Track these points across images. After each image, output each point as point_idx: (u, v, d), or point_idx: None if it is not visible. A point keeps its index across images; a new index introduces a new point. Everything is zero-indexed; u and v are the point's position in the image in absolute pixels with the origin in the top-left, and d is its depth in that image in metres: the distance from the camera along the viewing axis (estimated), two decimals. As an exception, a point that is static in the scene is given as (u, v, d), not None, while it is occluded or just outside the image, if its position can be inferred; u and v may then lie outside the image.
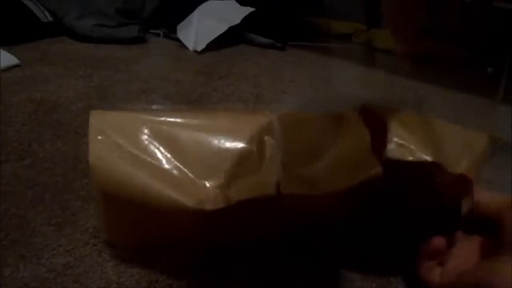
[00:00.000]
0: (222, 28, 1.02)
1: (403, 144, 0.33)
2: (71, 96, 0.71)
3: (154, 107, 0.69)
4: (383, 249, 0.40)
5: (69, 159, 0.52)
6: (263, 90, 0.80)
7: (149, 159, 0.34)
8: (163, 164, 0.34)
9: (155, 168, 0.33)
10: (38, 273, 0.36)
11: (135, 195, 0.32)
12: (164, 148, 0.35)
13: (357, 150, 0.33)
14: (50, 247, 0.38)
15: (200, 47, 1.01)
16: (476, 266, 0.29)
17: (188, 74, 0.86)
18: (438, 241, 0.33)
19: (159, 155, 0.34)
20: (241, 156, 0.34)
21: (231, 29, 1.03)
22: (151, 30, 1.13)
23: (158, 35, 1.12)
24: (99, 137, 0.34)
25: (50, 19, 1.03)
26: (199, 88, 0.79)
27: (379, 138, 0.33)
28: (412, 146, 0.33)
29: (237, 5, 1.12)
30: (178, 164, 0.34)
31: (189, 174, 0.34)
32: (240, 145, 0.35)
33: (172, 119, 0.36)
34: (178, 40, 1.06)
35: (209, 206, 0.31)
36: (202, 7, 1.11)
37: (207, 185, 0.33)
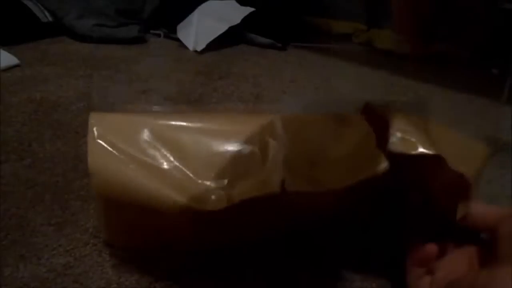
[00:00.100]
0: (222, 28, 1.03)
1: (406, 138, 0.32)
2: (71, 96, 0.71)
3: (154, 108, 0.69)
4: (383, 249, 0.40)
5: (69, 159, 0.52)
6: (263, 90, 0.80)
7: (149, 161, 0.33)
8: (164, 166, 0.34)
9: (156, 169, 0.33)
10: (38, 273, 0.36)
11: (136, 197, 0.32)
12: (165, 149, 0.34)
13: (362, 148, 0.33)
14: (50, 247, 0.38)
15: (200, 47, 1.01)
16: (472, 275, 0.29)
17: (188, 74, 0.86)
18: (431, 248, 0.33)
19: (160, 157, 0.34)
20: (243, 157, 0.34)
21: (231, 29, 1.03)
22: (151, 31, 1.13)
23: (158, 35, 1.12)
24: (99, 141, 0.33)
25: (50, 19, 1.03)
26: (199, 88, 0.79)
27: (382, 137, 0.33)
28: (414, 140, 0.32)
29: (237, 5, 1.12)
30: (179, 165, 0.34)
31: (191, 175, 0.34)
32: (242, 146, 0.35)
33: (173, 121, 0.36)
34: (178, 40, 1.06)
35: (211, 206, 0.31)
36: (202, 7, 1.11)
37: (209, 185, 0.33)
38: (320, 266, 0.39)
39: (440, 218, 0.34)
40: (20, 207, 0.43)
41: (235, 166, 0.34)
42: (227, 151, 0.35)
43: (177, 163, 0.34)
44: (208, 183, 0.33)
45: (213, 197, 0.32)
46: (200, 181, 0.33)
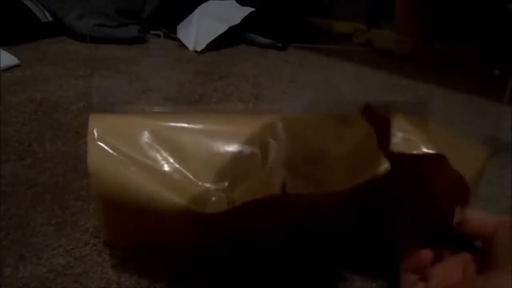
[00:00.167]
0: (222, 28, 1.03)
1: (408, 138, 0.32)
2: (71, 96, 0.71)
3: (154, 109, 0.69)
4: (383, 249, 0.40)
5: (69, 159, 0.52)
6: (263, 90, 0.80)
7: (149, 163, 0.33)
8: (165, 168, 0.33)
9: (156, 171, 0.33)
10: (38, 273, 0.36)
11: (136, 199, 0.32)
12: (165, 151, 0.34)
13: (363, 148, 0.32)
14: (50, 247, 0.38)
15: (200, 47, 1.01)
16: (468, 283, 0.29)
17: (188, 74, 0.86)
18: (425, 255, 0.33)
19: (160, 158, 0.34)
20: (244, 158, 0.34)
21: (231, 29, 1.03)
22: (151, 31, 1.13)
23: (158, 35, 1.12)
24: (98, 143, 0.33)
25: (50, 19, 1.03)
26: (199, 88, 0.79)
27: (383, 138, 0.33)
28: (416, 140, 0.32)
29: (237, 5, 1.12)
30: (180, 167, 0.34)
31: (191, 177, 0.33)
32: (243, 147, 0.35)
33: (173, 122, 0.36)
34: (178, 40, 1.06)
35: (211, 209, 0.31)
36: (202, 7, 1.11)
37: (210, 187, 0.33)
38: (320, 266, 0.39)
39: (436, 224, 0.34)
40: (20, 207, 0.43)
41: (235, 167, 0.34)
42: (228, 152, 0.35)
43: (177, 165, 0.34)
44: (208, 185, 0.33)
45: (213, 199, 0.32)
46: (200, 183, 0.33)
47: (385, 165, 0.30)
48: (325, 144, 0.34)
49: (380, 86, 0.89)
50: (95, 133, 0.34)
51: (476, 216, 0.32)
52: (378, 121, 0.35)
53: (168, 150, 0.34)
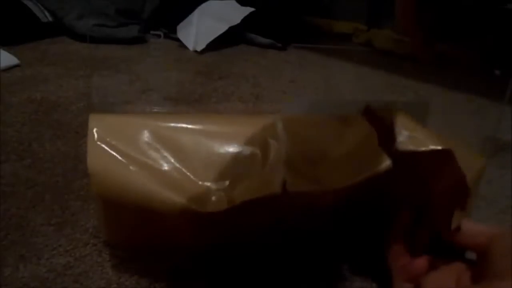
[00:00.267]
0: (222, 28, 1.03)
1: (414, 135, 0.32)
2: (71, 96, 0.71)
3: (154, 109, 0.69)
4: (384, 249, 0.40)
5: (69, 159, 0.52)
6: (263, 90, 0.80)
7: (149, 162, 0.33)
8: (164, 167, 0.33)
9: (156, 171, 0.33)
10: (38, 273, 0.36)
11: (136, 199, 0.32)
12: (165, 151, 0.34)
13: (363, 147, 0.32)
14: (50, 247, 0.38)
15: (200, 47, 1.01)
16: None
17: (188, 74, 0.86)
18: (420, 263, 0.32)
19: (160, 158, 0.34)
20: (244, 158, 0.34)
21: (231, 29, 1.03)
22: (151, 31, 1.13)
23: (158, 35, 1.12)
24: (99, 143, 0.33)
25: (50, 19, 1.03)
26: (199, 88, 0.79)
27: (385, 137, 0.33)
28: (422, 137, 0.32)
29: (237, 5, 1.12)
30: (180, 167, 0.34)
31: (191, 176, 0.33)
32: (243, 147, 0.35)
33: (173, 122, 0.36)
34: (178, 40, 1.06)
35: (211, 208, 0.31)
36: (202, 7, 1.11)
37: (210, 186, 0.33)
38: (320, 266, 0.39)
39: (432, 230, 0.34)
40: (20, 207, 0.43)
41: (235, 167, 0.34)
42: (228, 152, 0.35)
43: (177, 165, 0.34)
44: (208, 184, 0.33)
45: (213, 198, 0.32)
46: (200, 183, 0.33)
47: (386, 162, 0.30)
48: (325, 144, 0.34)
49: (380, 86, 0.89)
50: (95, 133, 0.34)
51: (469, 226, 0.32)
52: (379, 121, 0.34)
53: (168, 150, 0.34)
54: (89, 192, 0.45)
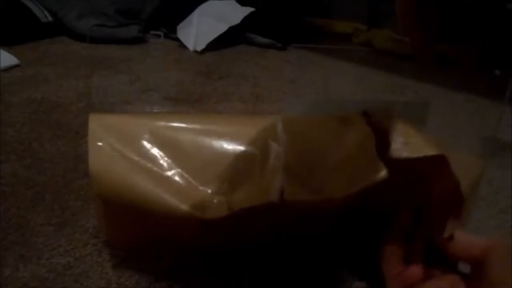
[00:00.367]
0: (222, 28, 1.03)
1: (409, 142, 0.32)
2: (71, 96, 0.71)
3: (154, 109, 0.69)
4: (378, 255, 0.40)
5: (69, 159, 0.52)
6: (263, 90, 0.80)
7: (150, 165, 0.33)
8: (165, 170, 0.33)
9: (156, 174, 0.33)
10: (38, 273, 0.36)
11: (136, 201, 0.32)
12: (165, 153, 0.34)
13: (362, 151, 0.32)
14: (50, 247, 0.38)
15: (200, 47, 1.01)
16: None
17: (188, 74, 0.86)
18: (415, 271, 0.32)
19: (160, 161, 0.34)
20: (244, 160, 0.34)
21: (231, 29, 1.03)
22: (151, 31, 1.13)
23: (158, 35, 1.12)
24: (99, 143, 0.33)
25: (50, 19, 1.03)
26: (199, 88, 0.79)
27: (381, 144, 0.33)
28: (417, 143, 0.32)
29: (237, 5, 1.12)
30: (180, 170, 0.34)
31: (191, 180, 0.33)
32: (243, 150, 0.34)
33: (173, 123, 0.36)
34: (178, 40, 1.06)
35: (211, 214, 0.31)
36: (202, 7, 1.11)
37: (209, 191, 0.33)
38: (319, 266, 0.39)
39: (425, 240, 0.34)
40: (20, 207, 0.43)
41: (235, 169, 0.34)
42: (228, 154, 0.35)
43: (177, 166, 0.34)
44: (208, 188, 0.33)
45: (213, 204, 0.32)
46: (200, 187, 0.33)
47: (383, 172, 0.30)
48: (324, 147, 0.34)
49: (380, 86, 0.89)
50: (95, 134, 0.34)
51: (463, 238, 0.31)
52: (375, 127, 0.34)
53: (168, 151, 0.34)
54: (89, 192, 0.45)
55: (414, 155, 0.32)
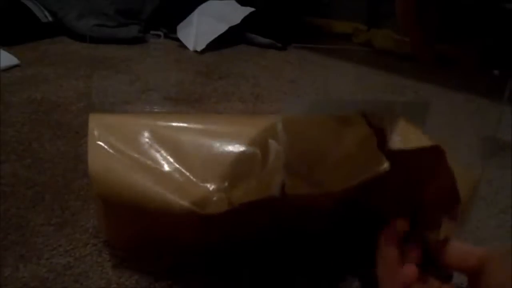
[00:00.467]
0: (222, 28, 1.03)
1: (404, 135, 0.32)
2: (71, 96, 0.71)
3: (154, 109, 0.69)
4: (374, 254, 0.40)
5: (69, 159, 0.52)
6: (263, 90, 0.80)
7: (150, 163, 0.33)
8: (165, 168, 0.33)
9: (156, 171, 0.33)
10: (38, 273, 0.36)
11: (136, 200, 0.32)
12: (165, 151, 0.34)
13: (362, 149, 0.32)
14: (50, 247, 0.38)
15: (200, 47, 1.01)
16: None
17: (188, 74, 0.86)
18: (410, 270, 0.31)
19: (160, 159, 0.34)
20: (244, 159, 0.34)
21: (231, 29, 1.03)
22: (151, 31, 1.13)
23: (158, 35, 1.12)
24: (99, 142, 0.33)
25: (50, 19, 1.03)
26: (199, 88, 0.79)
27: (379, 145, 0.33)
28: (412, 136, 0.32)
29: (237, 5, 1.12)
30: (180, 168, 0.34)
31: (191, 177, 0.33)
32: (243, 148, 0.35)
33: (173, 123, 0.36)
34: (178, 40, 1.06)
35: (211, 210, 0.31)
36: (202, 7, 1.11)
37: (210, 188, 0.33)
38: (319, 266, 0.39)
39: (422, 242, 0.33)
40: (20, 207, 0.43)
41: (236, 167, 0.34)
42: (228, 153, 0.35)
43: (177, 165, 0.34)
44: (208, 185, 0.33)
45: (214, 200, 0.32)
46: (201, 184, 0.33)
47: (384, 165, 0.30)
48: (324, 145, 0.34)
49: (380, 86, 0.89)
50: (95, 133, 0.34)
51: (458, 247, 0.31)
52: (373, 127, 0.34)
53: (168, 150, 0.34)
54: (89, 192, 0.45)
55: (408, 147, 0.31)
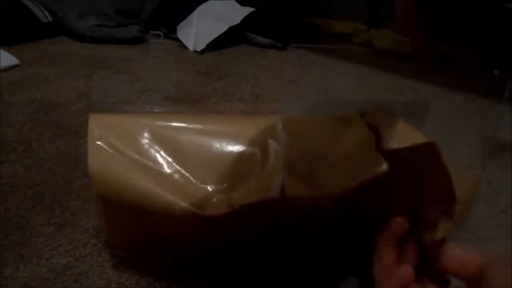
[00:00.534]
0: (222, 28, 1.03)
1: (398, 133, 0.32)
2: (71, 96, 0.71)
3: (154, 109, 0.69)
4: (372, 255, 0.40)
5: (69, 159, 0.52)
6: (263, 90, 0.80)
7: (149, 164, 0.33)
8: (164, 169, 0.33)
9: (156, 172, 0.33)
10: (38, 273, 0.36)
11: (136, 200, 0.32)
12: (165, 152, 0.34)
13: (362, 150, 0.32)
14: (50, 247, 0.38)
15: (200, 47, 1.01)
16: None
17: (188, 74, 0.86)
18: (407, 271, 0.30)
19: (160, 159, 0.34)
20: (244, 160, 0.34)
21: (231, 29, 1.03)
22: (151, 31, 1.13)
23: (158, 35, 1.12)
24: (99, 142, 0.33)
25: (50, 19, 1.03)
26: (199, 88, 0.79)
27: (377, 142, 0.33)
28: (406, 134, 0.32)
29: (237, 5, 1.12)
30: (180, 168, 0.34)
31: (191, 178, 0.33)
32: (243, 148, 0.35)
33: (173, 123, 0.36)
34: (178, 40, 1.06)
35: (211, 211, 0.31)
36: (202, 7, 1.11)
37: (209, 189, 0.33)
38: (319, 266, 0.39)
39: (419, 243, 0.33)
40: (20, 207, 0.43)
41: (235, 168, 0.34)
42: (228, 153, 0.35)
43: (177, 165, 0.34)
44: (208, 186, 0.33)
45: (213, 201, 0.32)
46: (200, 185, 0.33)
47: (383, 166, 0.30)
48: (324, 146, 0.34)
49: (380, 86, 0.89)
50: (95, 133, 0.34)
51: (457, 253, 0.30)
52: (372, 127, 0.34)
53: (168, 150, 0.34)
54: (89, 192, 0.45)
55: (402, 145, 0.31)
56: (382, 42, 1.12)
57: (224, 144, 0.35)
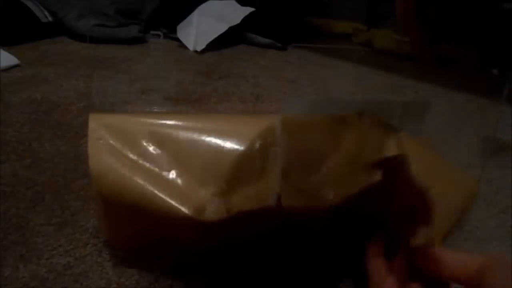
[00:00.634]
0: (222, 28, 1.03)
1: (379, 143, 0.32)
2: (71, 96, 0.71)
3: (154, 109, 0.69)
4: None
5: (69, 159, 0.52)
6: (263, 90, 0.80)
7: (149, 165, 0.33)
8: (164, 170, 0.33)
9: (155, 174, 0.33)
10: (38, 273, 0.36)
11: (135, 201, 0.32)
12: (164, 153, 0.34)
13: (359, 154, 0.32)
14: (50, 247, 0.38)
15: (200, 47, 1.01)
16: None
17: (188, 74, 0.86)
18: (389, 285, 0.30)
19: (160, 160, 0.34)
20: (243, 161, 0.34)
21: (231, 29, 1.03)
22: (151, 31, 1.13)
23: (158, 35, 1.12)
24: (99, 142, 0.33)
25: (50, 19, 1.03)
26: (199, 88, 0.79)
27: (375, 145, 0.32)
28: (384, 146, 0.32)
29: (237, 5, 1.12)
30: (179, 170, 0.34)
31: (190, 181, 0.33)
32: (242, 150, 0.34)
33: (173, 123, 0.36)
34: (178, 40, 1.06)
35: (209, 216, 0.31)
36: (202, 7, 1.11)
37: (209, 192, 0.33)
38: (319, 267, 0.39)
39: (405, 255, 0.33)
40: (20, 207, 0.43)
41: (234, 169, 0.34)
42: (227, 154, 0.34)
43: (176, 167, 0.34)
44: (207, 189, 0.33)
45: (212, 207, 0.32)
46: (200, 188, 0.33)
47: (376, 175, 0.30)
48: (323, 147, 0.34)
49: (380, 86, 0.89)
50: (95, 133, 0.34)
51: (452, 257, 0.29)
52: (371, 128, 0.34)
53: (168, 151, 0.34)
54: (89, 192, 0.45)
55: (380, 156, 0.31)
56: (382, 42, 1.12)
57: (223, 145, 0.35)
